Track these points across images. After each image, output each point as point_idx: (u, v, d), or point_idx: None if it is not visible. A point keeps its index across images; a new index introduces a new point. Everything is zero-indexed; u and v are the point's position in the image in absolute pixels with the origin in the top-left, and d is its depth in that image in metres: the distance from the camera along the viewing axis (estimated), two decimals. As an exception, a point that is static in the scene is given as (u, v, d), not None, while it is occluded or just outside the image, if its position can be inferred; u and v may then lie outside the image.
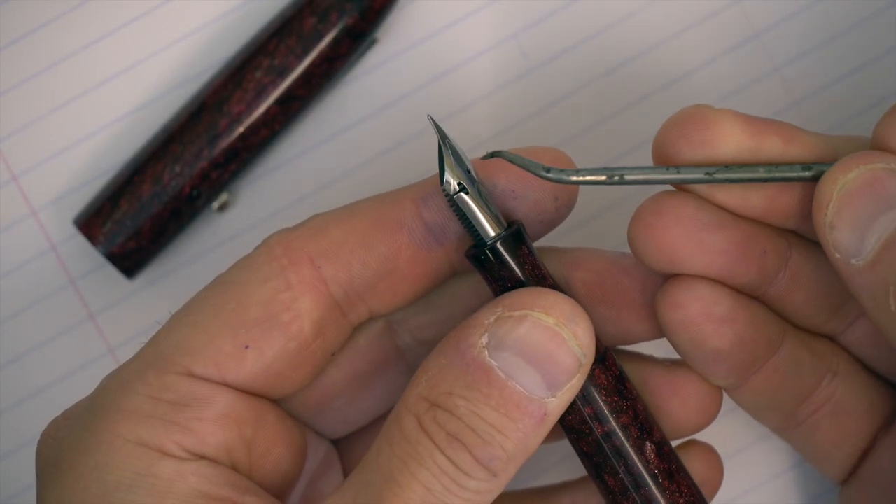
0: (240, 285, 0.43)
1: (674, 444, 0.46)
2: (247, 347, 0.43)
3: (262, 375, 0.43)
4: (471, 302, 0.47)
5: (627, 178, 0.42)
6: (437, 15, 0.56)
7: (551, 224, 0.45)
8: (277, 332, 0.43)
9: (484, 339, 0.41)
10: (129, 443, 0.41)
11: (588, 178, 0.42)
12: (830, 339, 0.48)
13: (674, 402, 0.46)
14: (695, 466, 0.46)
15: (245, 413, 0.43)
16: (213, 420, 0.42)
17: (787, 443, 0.50)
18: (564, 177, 0.42)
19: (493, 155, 0.43)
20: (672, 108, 0.56)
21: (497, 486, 0.40)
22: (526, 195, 0.44)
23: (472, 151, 0.55)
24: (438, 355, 0.41)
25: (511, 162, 0.43)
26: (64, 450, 0.42)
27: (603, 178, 0.42)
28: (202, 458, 0.42)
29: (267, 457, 0.44)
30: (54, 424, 0.43)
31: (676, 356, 0.47)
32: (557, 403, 0.41)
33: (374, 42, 0.55)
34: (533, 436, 0.40)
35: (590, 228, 0.56)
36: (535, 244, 0.44)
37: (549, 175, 0.42)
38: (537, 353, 0.40)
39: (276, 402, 0.45)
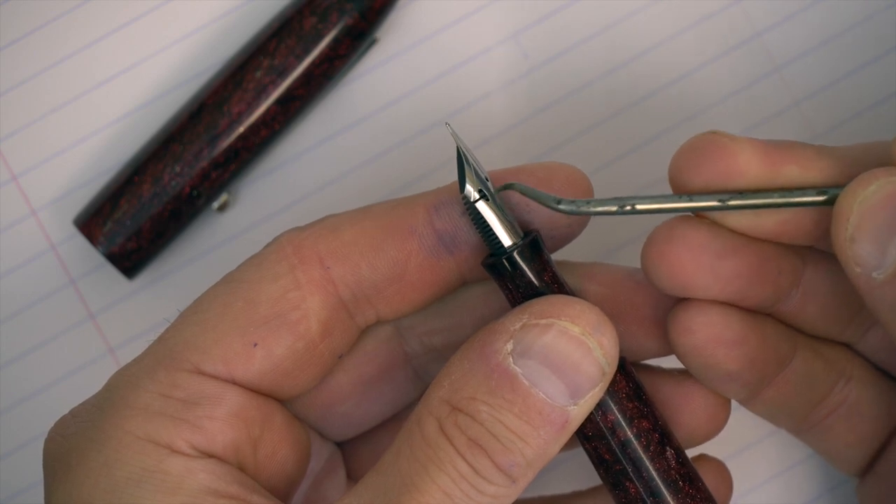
0: (249, 283, 0.43)
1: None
2: (255, 345, 0.43)
3: (270, 374, 0.43)
4: (481, 311, 0.47)
5: (639, 207, 0.43)
6: (437, 15, 0.56)
7: (564, 239, 0.45)
8: (285, 330, 0.43)
9: (509, 346, 0.41)
10: (138, 439, 0.41)
11: (599, 208, 0.43)
12: (845, 345, 0.48)
13: (684, 412, 0.46)
14: (706, 481, 0.46)
15: (253, 412, 0.43)
16: (222, 418, 0.42)
17: (802, 442, 0.50)
18: (576, 208, 0.43)
19: (506, 187, 0.43)
20: (672, 109, 0.56)
21: (515, 493, 0.40)
22: (540, 209, 0.44)
23: (473, 151, 0.55)
24: (462, 359, 0.41)
25: (523, 194, 0.43)
26: (72, 447, 0.42)
27: (614, 208, 0.43)
28: (211, 456, 0.42)
29: (273, 457, 0.44)
30: (62, 422, 0.43)
31: (684, 367, 0.47)
32: (579, 411, 0.41)
33: (374, 42, 0.55)
34: (553, 443, 0.40)
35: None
36: None
37: (562, 207, 0.43)
38: (562, 362, 0.41)
39: (283, 403, 0.45)
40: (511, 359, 0.41)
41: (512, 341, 0.41)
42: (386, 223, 0.44)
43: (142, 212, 0.54)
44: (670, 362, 0.47)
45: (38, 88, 0.56)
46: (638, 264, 0.45)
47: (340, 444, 0.49)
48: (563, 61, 0.56)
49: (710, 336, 0.44)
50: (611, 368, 0.41)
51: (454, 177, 0.43)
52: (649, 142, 0.56)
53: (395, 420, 0.49)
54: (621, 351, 0.43)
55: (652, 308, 0.46)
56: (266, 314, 0.43)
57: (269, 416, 0.44)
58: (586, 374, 0.41)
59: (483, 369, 0.40)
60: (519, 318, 0.41)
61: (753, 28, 0.56)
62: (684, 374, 0.46)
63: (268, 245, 0.45)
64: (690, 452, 0.47)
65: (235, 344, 0.43)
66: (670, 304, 0.45)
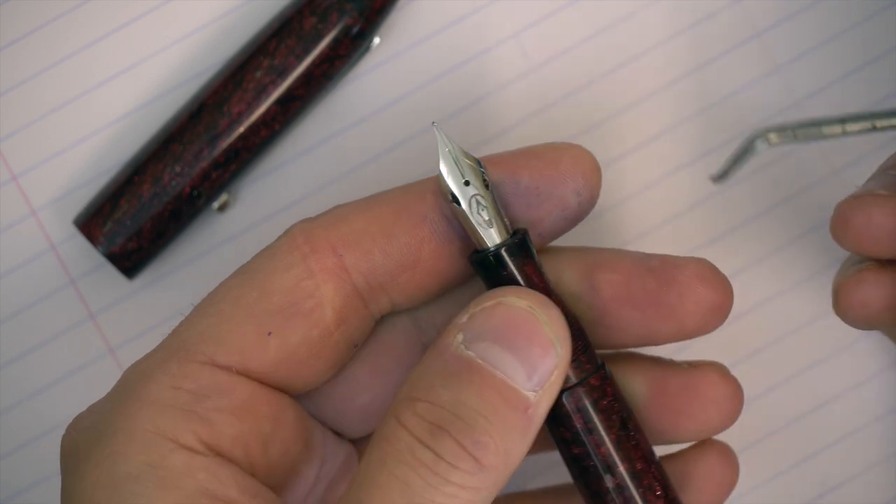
0: (262, 274, 0.43)
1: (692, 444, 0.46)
2: (270, 334, 0.43)
3: (285, 363, 0.43)
4: None
5: (849, 129, 0.44)
6: (437, 15, 0.56)
7: (574, 220, 0.45)
8: (300, 319, 0.43)
9: (459, 337, 0.41)
10: (147, 432, 0.41)
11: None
12: None
13: (695, 404, 0.46)
14: (710, 465, 0.46)
15: (264, 408, 0.43)
16: (231, 411, 0.42)
17: None
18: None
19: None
20: (672, 109, 0.56)
21: (483, 484, 0.39)
22: (549, 192, 0.44)
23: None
24: (418, 364, 0.41)
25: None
26: (83, 440, 0.42)
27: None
28: (217, 452, 0.42)
29: (284, 456, 0.44)
30: (79, 418, 0.43)
31: (694, 357, 0.47)
32: (540, 397, 0.41)
33: (374, 42, 0.55)
34: (519, 430, 0.40)
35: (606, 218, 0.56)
36: (559, 240, 0.44)
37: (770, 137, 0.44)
38: (514, 337, 0.41)
39: (298, 400, 0.45)
40: (463, 346, 0.41)
41: (462, 332, 0.41)
42: (397, 209, 0.44)
43: (142, 212, 0.54)
44: (679, 350, 0.47)
45: (38, 88, 0.56)
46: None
47: (357, 444, 0.49)
48: (563, 61, 0.56)
49: (885, 307, 0.45)
50: (563, 350, 0.41)
51: (454, 177, 0.43)
52: (649, 142, 0.56)
53: None
54: (631, 343, 0.43)
55: (666, 292, 0.45)
56: (280, 303, 0.43)
57: (281, 412, 0.44)
58: (540, 345, 0.41)
59: (438, 363, 0.41)
60: (466, 312, 0.41)
61: (753, 28, 0.56)
62: (694, 365, 0.46)
63: (280, 236, 0.45)
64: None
65: (250, 333, 0.43)
66: (685, 288, 0.45)
